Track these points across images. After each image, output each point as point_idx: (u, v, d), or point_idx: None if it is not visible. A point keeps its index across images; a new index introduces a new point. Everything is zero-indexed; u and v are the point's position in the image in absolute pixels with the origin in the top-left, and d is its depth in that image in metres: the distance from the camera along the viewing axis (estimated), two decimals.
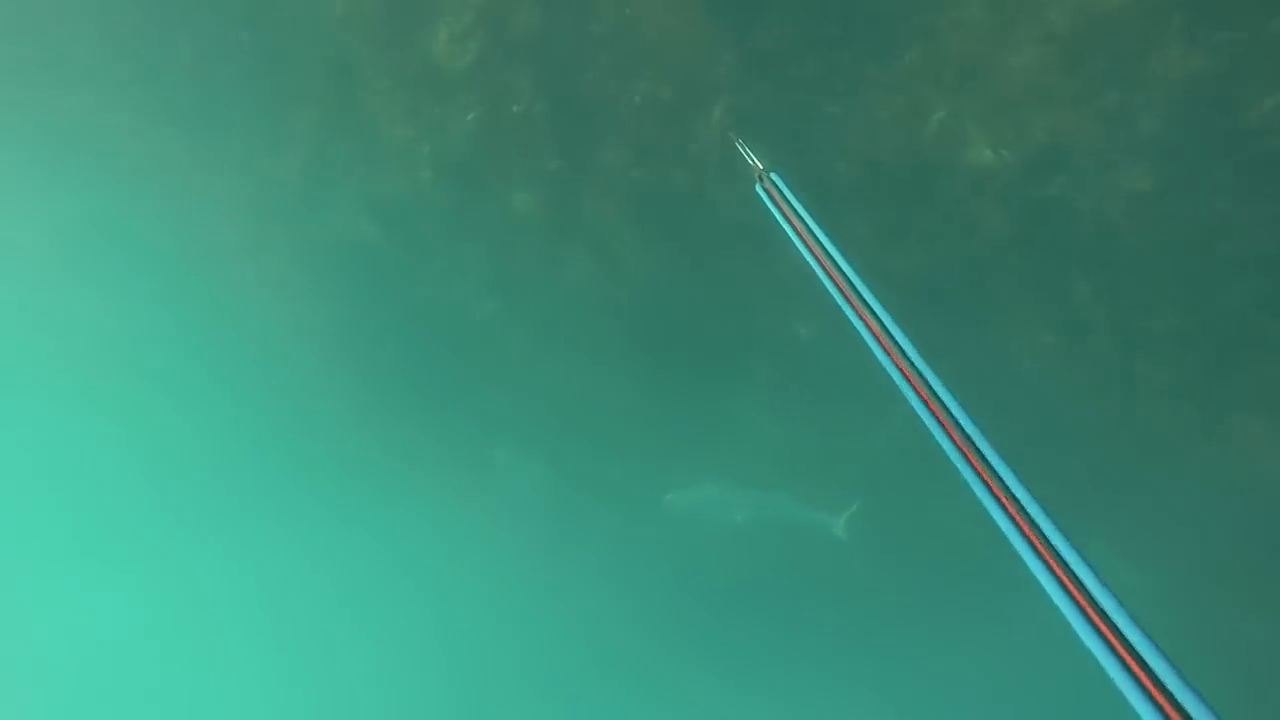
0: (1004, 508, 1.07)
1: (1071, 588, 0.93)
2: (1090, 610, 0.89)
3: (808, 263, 1.72)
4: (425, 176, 6.29)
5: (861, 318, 1.45)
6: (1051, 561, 0.97)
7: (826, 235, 1.74)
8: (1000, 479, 1.12)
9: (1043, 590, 0.96)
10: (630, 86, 5.11)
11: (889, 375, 1.39)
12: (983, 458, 1.16)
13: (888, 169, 4.46)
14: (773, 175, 1.97)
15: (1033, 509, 1.05)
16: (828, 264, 1.63)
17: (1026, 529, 1.03)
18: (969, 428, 1.19)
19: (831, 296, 1.57)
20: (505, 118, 5.70)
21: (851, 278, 1.54)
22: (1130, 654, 0.84)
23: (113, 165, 7.78)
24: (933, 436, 1.28)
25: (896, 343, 1.39)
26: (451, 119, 5.92)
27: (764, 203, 1.97)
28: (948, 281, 4.68)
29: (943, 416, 1.25)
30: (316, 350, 8.12)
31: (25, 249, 9.14)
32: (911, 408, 1.32)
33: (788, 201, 1.89)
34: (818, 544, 6.41)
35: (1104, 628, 0.87)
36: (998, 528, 1.08)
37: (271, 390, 8.86)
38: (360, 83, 6.18)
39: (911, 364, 1.36)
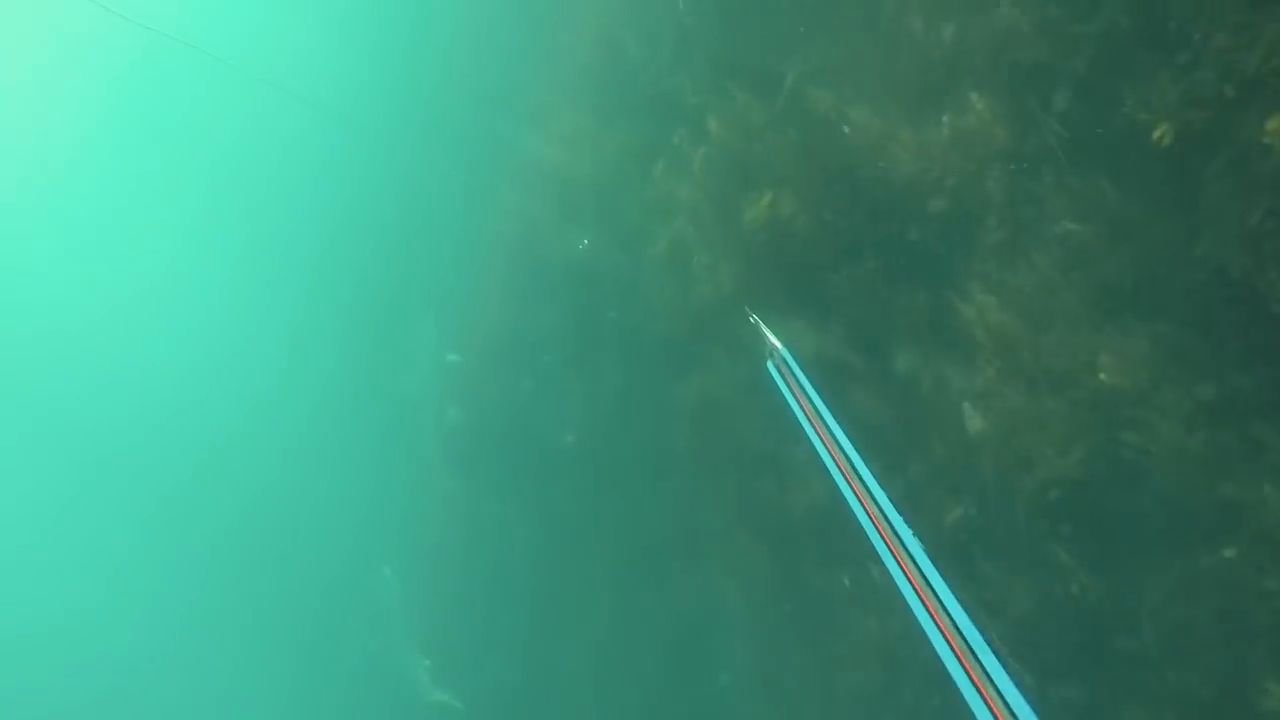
0: None
1: None
2: None
3: (812, 443, 1.73)
4: None
5: (862, 504, 1.42)
6: None
7: (836, 420, 1.74)
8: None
9: None
10: None
11: (886, 568, 1.36)
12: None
13: None
14: (783, 352, 2.06)
15: None
16: (832, 446, 1.62)
17: None
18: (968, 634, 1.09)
19: (834, 480, 1.55)
20: None
21: (857, 464, 1.53)
22: None
23: None
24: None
25: (895, 533, 1.34)
26: None
27: (773, 379, 2.04)
28: None
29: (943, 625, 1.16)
30: None
31: None
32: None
33: (797, 381, 1.93)
34: None
35: None
36: None
37: None
38: None
39: (911, 558, 1.30)
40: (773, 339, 2.17)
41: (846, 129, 4.15)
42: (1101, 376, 3.20)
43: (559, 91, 6.63)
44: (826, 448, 1.65)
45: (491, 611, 8.28)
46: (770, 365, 2.07)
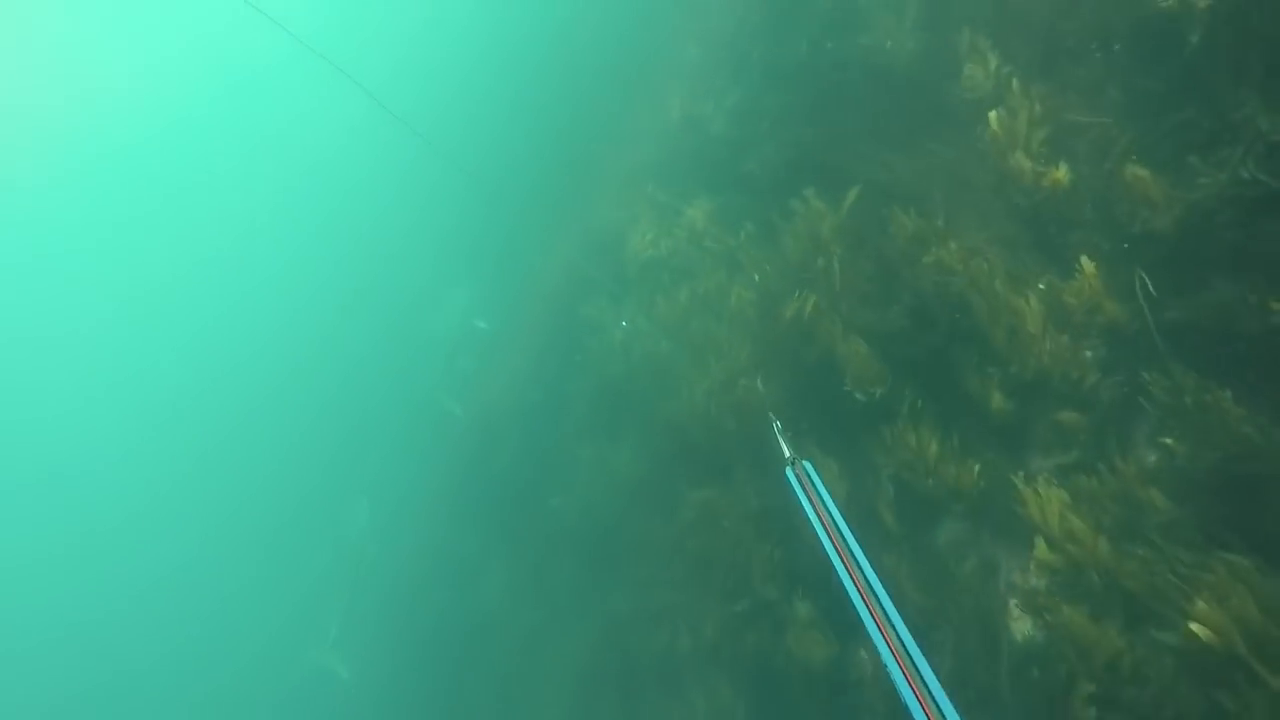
0: None
1: None
2: None
3: (826, 552, 1.57)
4: None
5: (875, 620, 1.27)
6: None
7: (851, 531, 1.61)
8: None
9: None
10: None
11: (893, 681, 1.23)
12: None
13: None
14: (805, 463, 1.88)
15: None
16: (847, 558, 1.48)
17: None
18: None
19: (847, 591, 1.40)
20: None
21: (870, 577, 1.36)
22: None
23: None
24: None
25: (907, 651, 1.21)
26: None
27: (792, 487, 1.87)
28: None
29: None
30: None
31: None
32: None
33: (815, 490, 1.78)
34: None
35: None
36: None
37: None
38: None
39: (918, 672, 1.18)
40: (790, 451, 1.98)
41: (927, 260, 3.81)
42: (1193, 627, 2.56)
43: (635, 165, 6.88)
44: (844, 563, 1.50)
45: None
46: (789, 472, 1.89)
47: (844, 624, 3.69)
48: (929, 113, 4.08)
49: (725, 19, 6.43)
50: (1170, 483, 2.88)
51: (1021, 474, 3.23)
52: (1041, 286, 3.64)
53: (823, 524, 1.63)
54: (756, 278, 5.01)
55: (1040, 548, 3.09)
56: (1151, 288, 3.01)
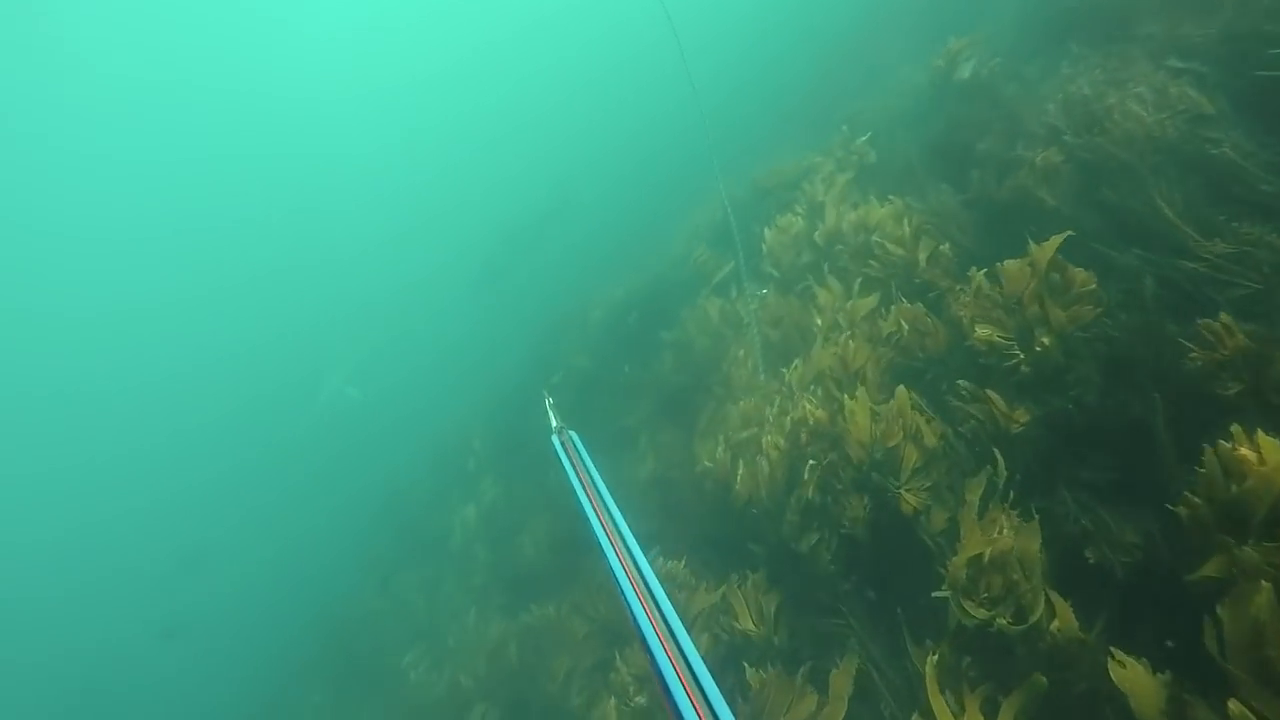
0: None
1: None
2: None
3: (586, 516, 1.79)
4: None
5: (630, 580, 1.44)
6: None
7: (610, 492, 1.85)
8: None
9: None
10: None
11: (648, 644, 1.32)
12: None
13: None
14: (571, 432, 2.21)
15: None
16: (606, 522, 1.70)
17: None
18: None
19: (602, 548, 1.58)
20: None
21: (626, 535, 1.58)
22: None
23: None
24: None
25: (660, 611, 1.35)
26: None
27: (556, 452, 2.18)
28: None
29: None
30: None
31: None
32: None
33: (580, 457, 2.10)
34: None
35: None
36: None
37: None
38: None
39: (668, 626, 1.32)
40: (557, 421, 2.32)
41: None
42: None
43: None
44: (601, 523, 1.72)
45: None
46: (555, 439, 2.21)
47: None
48: None
49: None
50: None
51: None
52: None
53: (583, 486, 1.89)
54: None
55: None
56: None
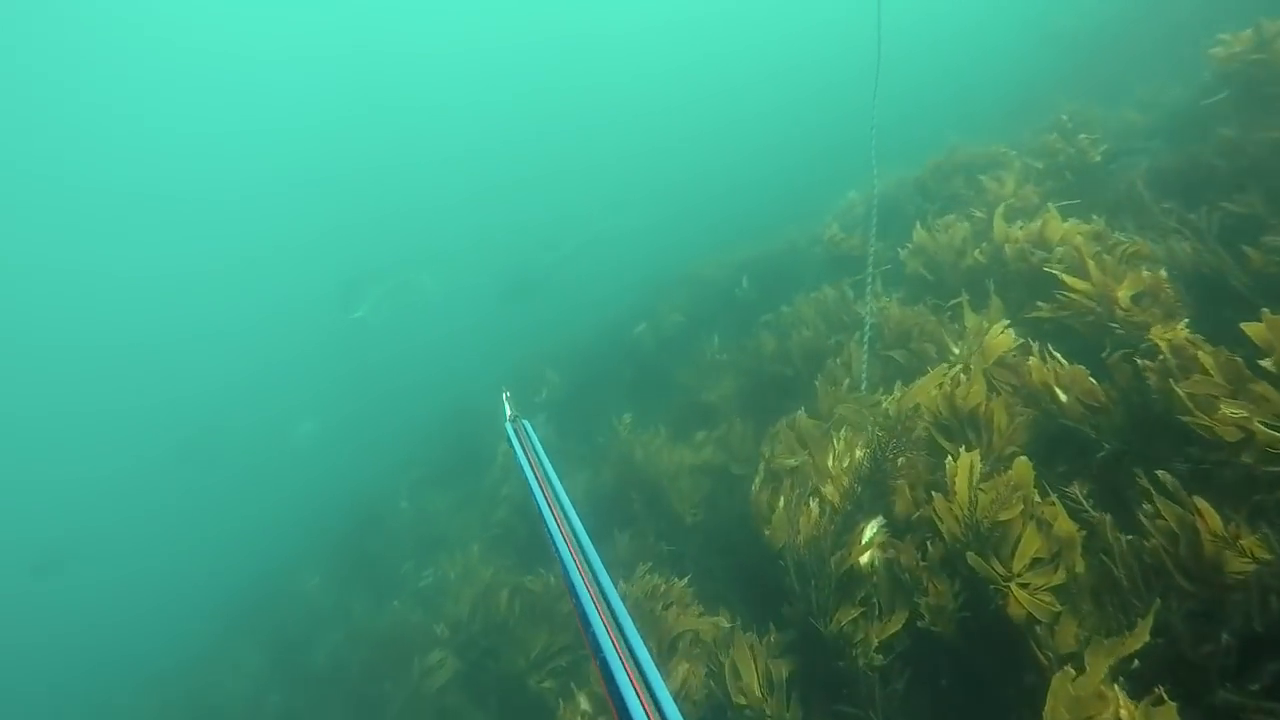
0: None
1: None
2: None
3: (535, 500, 1.76)
4: None
5: (575, 562, 1.41)
6: None
7: (559, 478, 1.82)
8: None
9: None
10: None
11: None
12: None
13: None
14: (524, 422, 2.21)
15: None
16: (554, 505, 1.68)
17: None
18: None
19: (550, 534, 1.55)
20: None
21: (575, 522, 1.56)
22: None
23: None
24: None
25: (603, 591, 1.33)
26: None
27: (509, 438, 2.17)
28: None
29: None
30: None
31: None
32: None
33: (531, 444, 2.05)
34: None
35: None
36: None
37: None
38: None
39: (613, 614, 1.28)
40: (512, 410, 2.36)
41: None
42: None
43: None
44: (550, 508, 1.69)
45: None
46: (509, 426, 2.21)
47: None
48: None
49: None
50: None
51: None
52: None
53: (534, 472, 1.86)
54: None
55: None
56: None
